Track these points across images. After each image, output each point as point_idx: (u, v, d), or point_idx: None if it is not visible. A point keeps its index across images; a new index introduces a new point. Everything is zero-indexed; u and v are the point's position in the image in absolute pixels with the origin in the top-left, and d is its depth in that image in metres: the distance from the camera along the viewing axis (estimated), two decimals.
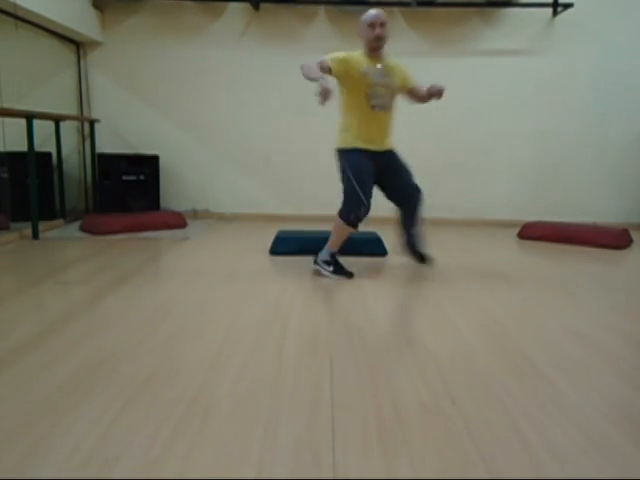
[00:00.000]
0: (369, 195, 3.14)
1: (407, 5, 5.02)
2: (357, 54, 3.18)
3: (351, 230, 3.17)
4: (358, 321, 2.34)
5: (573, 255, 3.93)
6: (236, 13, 5.22)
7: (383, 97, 3.15)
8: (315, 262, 3.26)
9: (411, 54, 5.22)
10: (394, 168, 3.29)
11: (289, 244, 3.72)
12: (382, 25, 3.14)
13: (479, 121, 5.35)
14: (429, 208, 5.42)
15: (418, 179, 5.76)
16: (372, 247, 3.75)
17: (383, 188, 3.33)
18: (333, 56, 3.09)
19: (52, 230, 4.48)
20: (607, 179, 5.39)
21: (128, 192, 5.08)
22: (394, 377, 1.77)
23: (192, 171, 5.44)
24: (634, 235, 4.60)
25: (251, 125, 5.39)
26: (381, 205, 5.42)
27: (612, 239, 4.24)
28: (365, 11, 5.43)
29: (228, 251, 3.86)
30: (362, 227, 4.75)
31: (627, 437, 1.43)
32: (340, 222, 3.15)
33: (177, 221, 4.76)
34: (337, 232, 3.19)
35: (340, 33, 5.23)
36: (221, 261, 3.52)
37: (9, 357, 1.87)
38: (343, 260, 3.52)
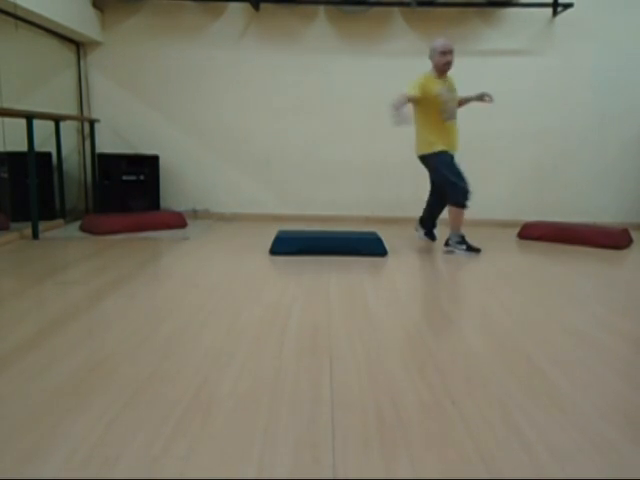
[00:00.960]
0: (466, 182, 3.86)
1: (407, 5, 5.02)
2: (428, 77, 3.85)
3: (463, 211, 3.87)
4: (358, 321, 2.34)
5: (573, 255, 3.93)
6: (236, 13, 5.22)
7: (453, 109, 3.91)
8: (447, 245, 3.95)
9: (411, 54, 5.22)
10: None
11: (289, 244, 3.72)
12: (451, 52, 3.79)
13: (479, 121, 5.34)
14: None
15: (418, 179, 5.75)
16: (372, 247, 3.75)
17: None
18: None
19: (52, 230, 4.48)
20: (607, 179, 5.39)
21: (128, 192, 5.08)
22: (394, 377, 1.77)
23: (192, 171, 5.44)
24: (634, 235, 4.60)
25: (251, 125, 5.39)
26: (381, 205, 5.44)
27: (612, 239, 4.24)
28: (365, 11, 5.45)
29: (228, 251, 3.86)
30: (362, 227, 4.75)
31: (626, 437, 1.43)
32: (454, 208, 3.86)
33: (177, 221, 4.76)
34: (457, 218, 3.89)
35: (340, 33, 5.24)
36: (221, 261, 3.52)
37: (9, 357, 1.87)
38: (343, 259, 3.53)
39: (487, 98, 3.97)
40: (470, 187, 3.82)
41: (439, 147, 3.81)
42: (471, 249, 3.87)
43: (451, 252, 3.88)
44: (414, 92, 3.72)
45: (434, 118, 3.81)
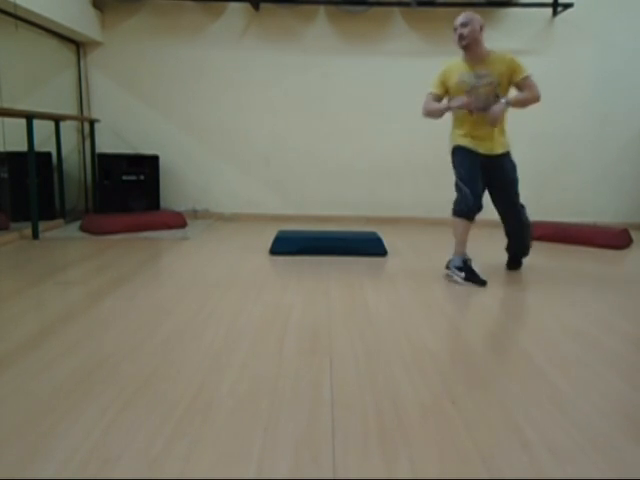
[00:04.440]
0: (475, 188, 3.09)
1: (407, 5, 5.02)
2: (454, 63, 3.18)
3: (463, 222, 3.11)
4: (358, 321, 2.34)
5: (573, 255, 3.93)
6: (236, 13, 5.22)
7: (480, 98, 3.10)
8: (447, 267, 3.22)
9: (411, 54, 5.23)
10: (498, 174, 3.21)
11: (289, 244, 3.72)
12: (463, 25, 3.03)
13: None
14: (429, 208, 5.44)
15: (418, 179, 5.73)
16: (372, 247, 3.75)
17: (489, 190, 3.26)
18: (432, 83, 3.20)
19: (52, 230, 4.48)
20: (607, 179, 5.39)
21: (128, 192, 5.08)
22: (394, 377, 1.77)
23: (192, 171, 5.44)
24: (634, 235, 4.59)
25: (251, 125, 5.39)
26: (381, 205, 5.44)
27: (612, 239, 4.24)
28: (365, 11, 5.46)
29: (228, 251, 3.86)
30: (362, 227, 4.74)
31: (627, 437, 1.43)
32: (452, 217, 3.15)
33: (177, 221, 4.76)
34: (454, 231, 3.17)
35: (340, 33, 5.23)
36: (221, 261, 3.52)
37: (9, 357, 1.87)
38: (343, 259, 3.52)
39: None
40: (478, 197, 3.08)
41: (458, 141, 3.19)
42: (472, 279, 3.03)
43: (450, 277, 3.15)
44: (435, 90, 3.16)
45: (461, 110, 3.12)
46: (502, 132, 3.27)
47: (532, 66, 5.24)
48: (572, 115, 5.28)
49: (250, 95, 5.32)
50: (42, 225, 4.26)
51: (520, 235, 3.35)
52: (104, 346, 1.99)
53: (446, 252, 3.96)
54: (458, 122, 3.21)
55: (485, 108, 3.08)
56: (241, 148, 5.40)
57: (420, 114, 3.25)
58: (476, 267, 3.11)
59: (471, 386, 1.71)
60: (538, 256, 3.92)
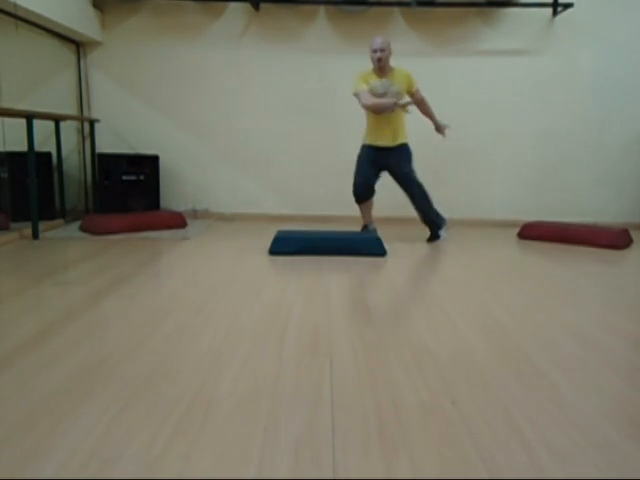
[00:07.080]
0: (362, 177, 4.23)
1: (407, 5, 5.02)
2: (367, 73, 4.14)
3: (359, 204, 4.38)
4: (358, 321, 2.34)
5: (573, 255, 3.93)
6: (236, 13, 5.22)
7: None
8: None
9: (411, 54, 5.22)
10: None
11: (288, 244, 3.72)
12: (381, 50, 4.01)
13: (479, 121, 5.35)
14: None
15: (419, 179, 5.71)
16: (371, 247, 3.75)
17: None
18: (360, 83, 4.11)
19: (52, 230, 4.48)
20: (607, 179, 5.39)
21: (128, 192, 5.08)
22: (394, 377, 1.77)
23: (192, 171, 5.44)
24: (634, 235, 4.59)
25: (251, 125, 5.39)
26: (380, 205, 5.43)
27: (612, 239, 4.24)
28: (365, 11, 5.47)
29: (228, 251, 3.86)
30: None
31: (627, 437, 1.43)
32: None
33: (177, 221, 4.76)
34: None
35: (340, 33, 5.24)
36: (221, 261, 3.52)
37: (9, 357, 1.87)
38: (343, 259, 3.53)
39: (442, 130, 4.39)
40: (360, 184, 4.23)
41: (364, 141, 4.26)
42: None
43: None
44: (366, 87, 4.05)
45: (369, 112, 4.14)
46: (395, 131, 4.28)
47: (532, 66, 5.28)
48: (572, 115, 5.28)
49: (250, 95, 5.32)
50: (42, 225, 4.26)
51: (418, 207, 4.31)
52: (104, 346, 1.99)
53: (446, 252, 3.96)
54: (367, 123, 4.26)
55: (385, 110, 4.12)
56: (241, 148, 5.41)
57: (364, 108, 4.09)
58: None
59: (471, 386, 1.71)
60: (538, 256, 3.92)
